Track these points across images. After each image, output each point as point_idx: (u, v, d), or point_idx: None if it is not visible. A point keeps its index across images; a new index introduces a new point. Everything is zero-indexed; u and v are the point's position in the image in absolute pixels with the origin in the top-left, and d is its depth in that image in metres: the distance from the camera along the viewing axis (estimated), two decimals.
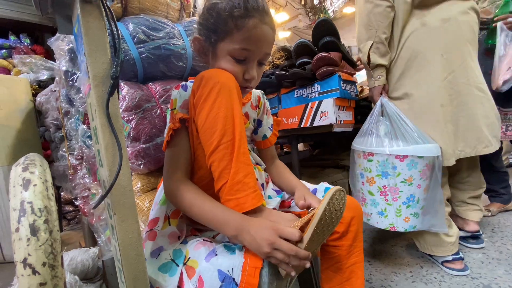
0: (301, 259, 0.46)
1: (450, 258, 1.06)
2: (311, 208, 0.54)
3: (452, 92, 0.98)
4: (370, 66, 1.02)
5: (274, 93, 1.57)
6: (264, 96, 0.81)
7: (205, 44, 0.60)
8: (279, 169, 0.76)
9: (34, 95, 2.05)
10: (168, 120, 0.62)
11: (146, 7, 0.82)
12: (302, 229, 0.48)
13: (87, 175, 1.12)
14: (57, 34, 0.99)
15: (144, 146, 0.74)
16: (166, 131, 0.60)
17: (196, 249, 0.52)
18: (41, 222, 0.21)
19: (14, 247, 0.20)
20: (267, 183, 0.70)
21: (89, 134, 0.97)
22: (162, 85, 0.81)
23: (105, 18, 0.40)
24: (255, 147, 0.78)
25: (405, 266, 1.13)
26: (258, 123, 0.77)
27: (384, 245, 1.34)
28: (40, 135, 2.13)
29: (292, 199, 0.68)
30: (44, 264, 0.20)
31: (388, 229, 1.00)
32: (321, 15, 3.82)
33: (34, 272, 0.19)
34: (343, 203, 0.49)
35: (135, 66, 0.75)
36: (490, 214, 1.53)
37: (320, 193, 0.68)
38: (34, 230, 0.20)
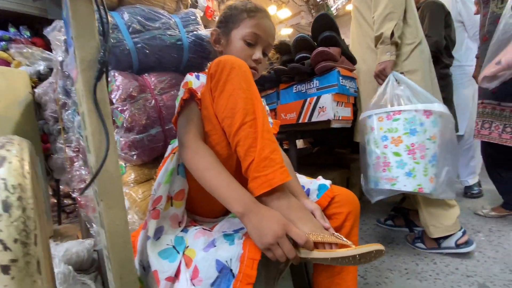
0: (293, 261, 0.46)
1: (460, 234, 1.12)
2: (337, 234, 0.51)
3: None
4: (391, 42, 1.10)
5: (273, 89, 1.56)
6: (264, 101, 0.83)
7: (220, 34, 0.73)
8: None
9: (34, 87, 2.04)
10: (178, 99, 0.62)
11: None
12: (316, 244, 0.47)
13: (83, 167, 1.12)
14: (53, 24, 0.99)
15: (137, 136, 0.74)
16: (176, 106, 0.61)
17: (196, 238, 0.52)
18: (14, 199, 0.21)
19: None
20: None
21: None
22: (157, 76, 0.80)
23: (93, 2, 0.39)
24: None
25: (401, 263, 1.12)
26: None
27: (381, 242, 1.33)
28: (39, 128, 2.13)
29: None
30: (15, 240, 0.20)
31: (416, 191, 0.99)
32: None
33: (5, 248, 0.19)
34: (370, 260, 0.46)
35: (130, 57, 0.74)
36: (483, 214, 1.53)
37: (314, 192, 0.66)
38: (6, 207, 0.20)
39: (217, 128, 0.56)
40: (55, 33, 0.97)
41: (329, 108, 1.17)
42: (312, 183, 0.68)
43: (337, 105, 1.19)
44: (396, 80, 1.10)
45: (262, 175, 0.49)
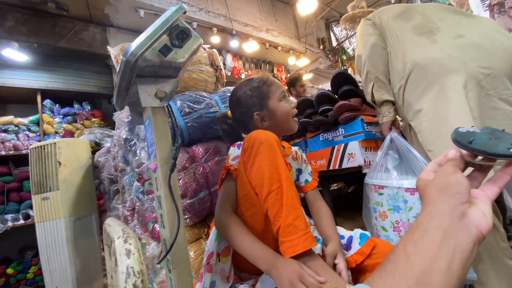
0: None
1: None
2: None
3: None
4: (377, 104, 1.06)
5: (300, 138, 1.66)
6: (300, 150, 0.93)
7: (262, 112, 0.81)
8: (320, 213, 0.80)
9: (92, 152, 2.39)
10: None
11: (189, 85, 1.01)
12: None
13: (138, 226, 1.25)
14: (120, 111, 1.23)
15: (189, 201, 0.86)
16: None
17: None
18: (139, 281, 0.30)
19: None
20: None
21: (141, 189, 1.13)
22: (203, 146, 0.95)
23: (167, 115, 0.54)
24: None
25: None
26: (299, 171, 0.88)
27: None
28: (95, 187, 2.41)
29: None
30: None
31: None
32: (340, 57, 4.03)
33: None
34: None
35: (182, 134, 0.91)
36: None
37: (356, 240, 0.70)
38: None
39: (251, 193, 0.65)
40: (121, 116, 1.21)
41: (358, 154, 1.21)
42: (354, 232, 0.72)
43: (366, 151, 1.23)
44: (391, 143, 1.02)
45: (287, 240, 0.56)
